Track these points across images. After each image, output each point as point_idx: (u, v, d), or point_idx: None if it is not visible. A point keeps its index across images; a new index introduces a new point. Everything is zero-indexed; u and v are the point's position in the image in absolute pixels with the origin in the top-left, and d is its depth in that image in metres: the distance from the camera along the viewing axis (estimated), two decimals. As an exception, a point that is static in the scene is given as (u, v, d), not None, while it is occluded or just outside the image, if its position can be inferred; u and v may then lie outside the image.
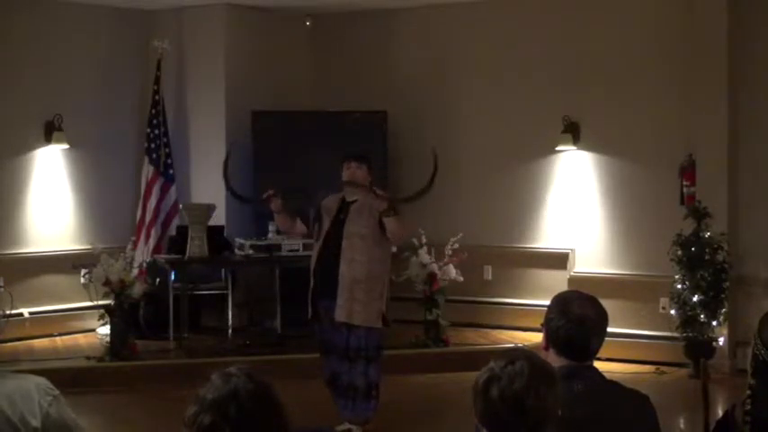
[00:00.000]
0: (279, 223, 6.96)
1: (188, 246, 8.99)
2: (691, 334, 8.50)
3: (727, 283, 8.53)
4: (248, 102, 10.07)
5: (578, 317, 2.98)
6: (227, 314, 9.65)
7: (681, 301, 8.54)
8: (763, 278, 8.71)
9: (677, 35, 9.05)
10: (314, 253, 6.62)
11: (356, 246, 6.35)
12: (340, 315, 6.33)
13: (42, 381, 2.58)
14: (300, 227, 6.79)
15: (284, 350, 8.76)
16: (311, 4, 10.27)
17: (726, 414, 3.14)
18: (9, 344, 9.02)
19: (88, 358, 8.52)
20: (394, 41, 10.56)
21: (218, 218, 9.53)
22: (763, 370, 2.95)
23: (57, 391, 2.56)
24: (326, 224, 6.53)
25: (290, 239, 8.99)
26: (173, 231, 9.71)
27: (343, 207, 6.51)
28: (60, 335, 9.53)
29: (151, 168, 9.77)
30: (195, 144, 10.30)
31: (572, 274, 9.54)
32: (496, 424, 2.37)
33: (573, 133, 9.53)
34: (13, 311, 9.15)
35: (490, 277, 9.96)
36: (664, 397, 6.21)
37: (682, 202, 8.83)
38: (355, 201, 6.50)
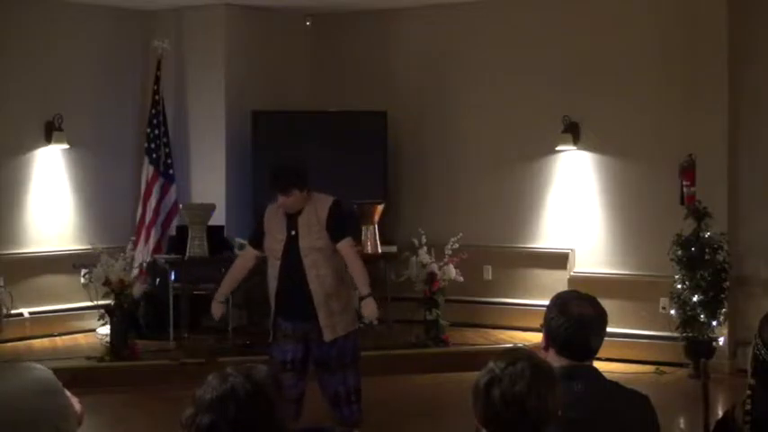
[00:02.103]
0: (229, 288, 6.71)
1: (188, 246, 8.99)
2: (691, 334, 8.50)
3: (727, 283, 8.53)
4: (248, 102, 10.07)
5: (577, 316, 2.98)
6: (228, 314, 9.63)
7: (681, 301, 8.54)
8: (763, 278, 8.71)
9: (677, 35, 9.04)
10: (272, 273, 6.26)
11: (318, 260, 6.11)
12: (327, 335, 6.19)
13: None
14: (252, 255, 6.49)
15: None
16: (311, 4, 10.27)
17: (726, 414, 3.14)
18: (9, 344, 9.02)
19: (88, 358, 8.52)
20: (394, 41, 10.56)
21: (218, 218, 9.53)
22: (764, 370, 2.95)
23: None
24: (277, 243, 6.18)
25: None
26: (173, 231, 9.71)
27: (291, 221, 6.17)
28: (60, 335, 9.53)
29: (151, 168, 9.76)
30: (195, 144, 10.29)
31: (572, 274, 9.53)
32: (497, 425, 2.37)
33: (573, 133, 9.53)
34: (13, 311, 9.16)
35: (490, 277, 9.96)
36: (664, 397, 6.21)
37: (682, 202, 8.82)
38: (300, 212, 6.17)
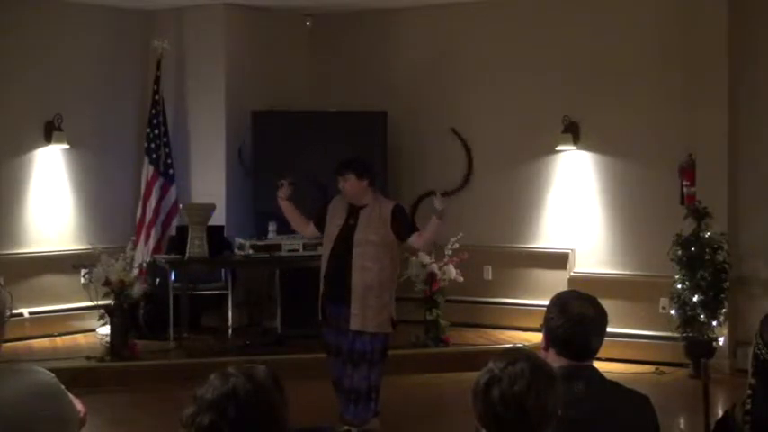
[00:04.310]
0: (285, 211, 6.85)
1: (188, 246, 8.99)
2: (691, 334, 8.50)
3: (727, 283, 8.53)
4: (248, 102, 10.07)
5: (577, 316, 2.97)
6: (227, 314, 9.65)
7: (681, 301, 8.54)
8: (763, 278, 8.71)
9: (677, 35, 9.04)
10: (324, 255, 6.63)
11: (367, 253, 6.38)
12: (355, 324, 6.37)
13: None
14: (311, 231, 6.84)
15: (284, 350, 8.76)
16: (311, 4, 10.27)
17: (726, 414, 3.14)
18: (9, 344, 9.01)
19: (88, 358, 8.52)
20: (394, 41, 10.56)
21: (218, 218, 9.53)
22: (764, 370, 2.95)
23: None
24: (334, 228, 6.52)
25: (290, 239, 9.01)
26: (173, 231, 9.71)
27: (353, 212, 6.51)
28: (60, 335, 9.53)
29: (151, 168, 9.77)
30: (195, 144, 10.29)
31: (572, 274, 9.53)
32: (497, 425, 2.37)
33: (573, 133, 9.53)
34: (14, 311, 9.15)
35: (490, 277, 9.96)
36: (664, 397, 6.21)
37: (682, 202, 8.82)
38: (365, 206, 6.49)
